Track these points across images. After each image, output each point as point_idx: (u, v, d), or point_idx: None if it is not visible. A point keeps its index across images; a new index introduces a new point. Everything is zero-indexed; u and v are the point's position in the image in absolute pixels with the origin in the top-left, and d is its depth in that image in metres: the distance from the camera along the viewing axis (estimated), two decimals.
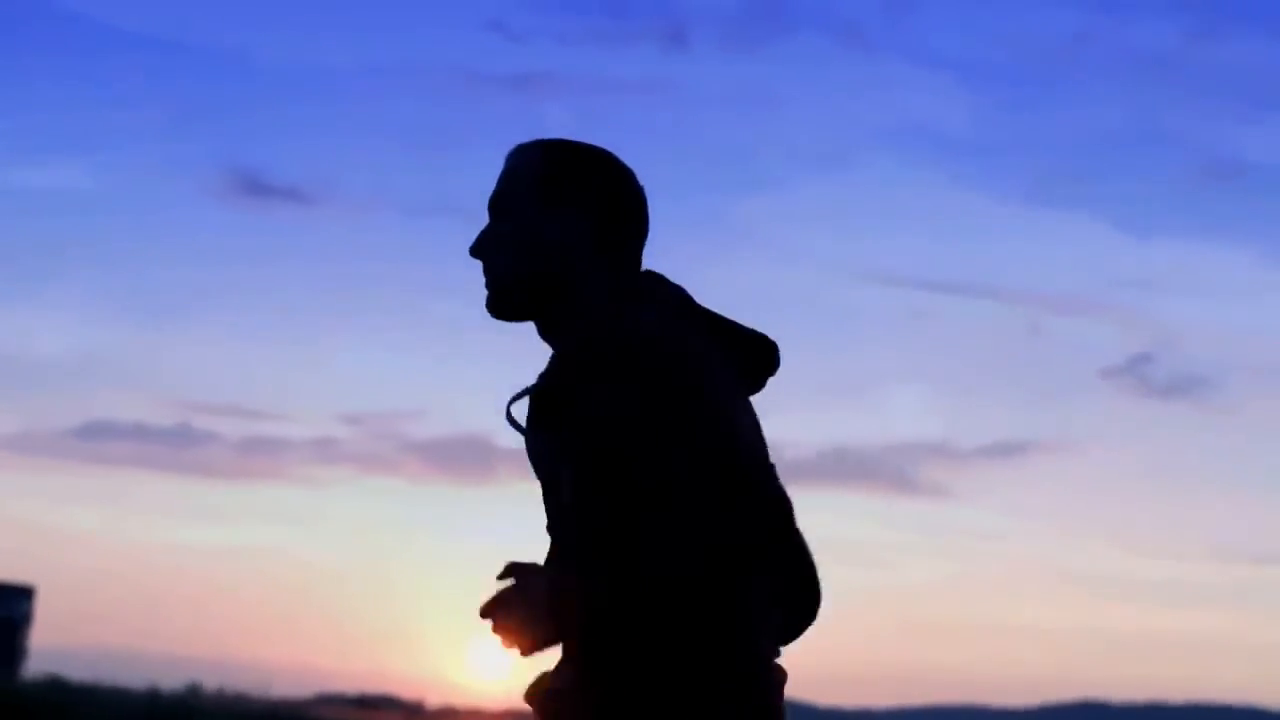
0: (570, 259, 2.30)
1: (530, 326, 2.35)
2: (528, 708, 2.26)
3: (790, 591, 2.24)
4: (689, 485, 2.07)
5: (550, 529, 2.27)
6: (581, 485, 2.14)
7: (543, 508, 2.28)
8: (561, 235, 2.30)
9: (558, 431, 2.17)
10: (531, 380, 2.26)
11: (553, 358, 2.25)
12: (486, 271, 2.34)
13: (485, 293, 2.34)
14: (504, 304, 2.33)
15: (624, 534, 2.07)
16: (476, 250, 2.35)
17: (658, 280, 2.32)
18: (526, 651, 2.12)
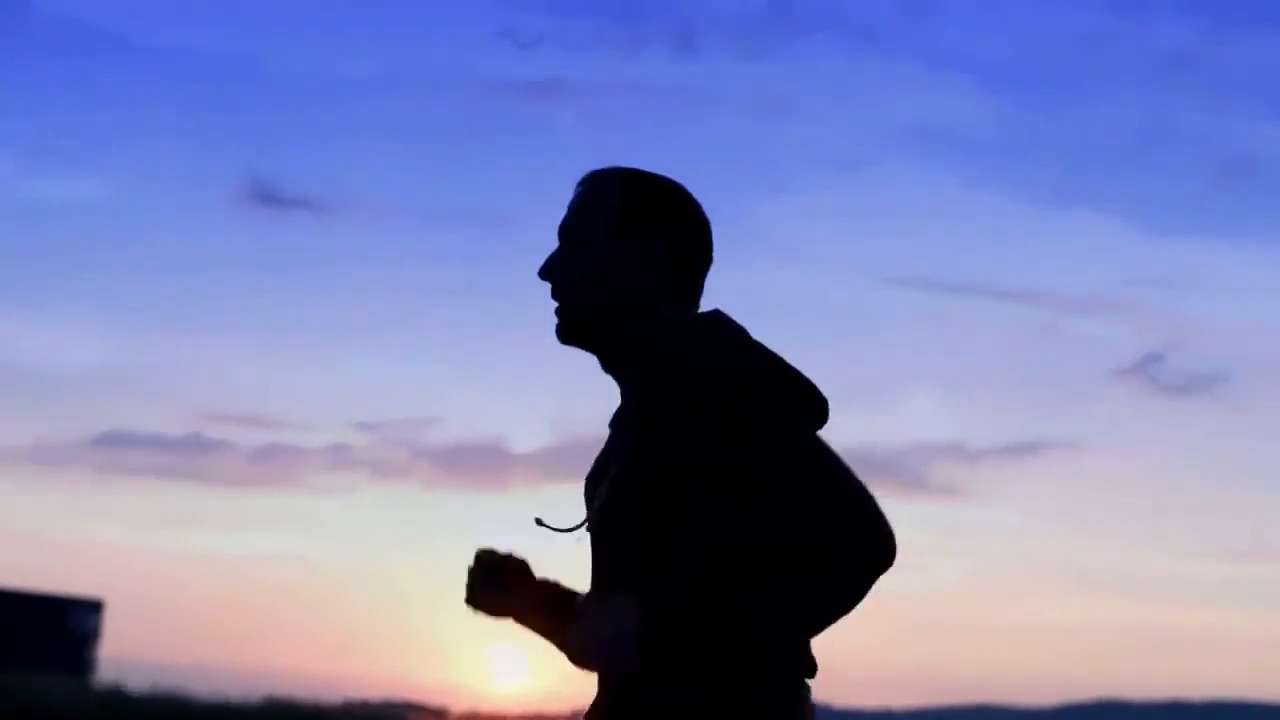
0: (644, 291, 2.33)
1: (571, 352, 2.39)
2: (548, 709, 2.36)
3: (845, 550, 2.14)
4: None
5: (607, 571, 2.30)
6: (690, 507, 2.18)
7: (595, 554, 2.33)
8: (637, 267, 2.33)
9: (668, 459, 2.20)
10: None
11: (645, 394, 2.28)
12: (557, 296, 2.36)
13: (554, 319, 2.37)
14: (576, 333, 2.35)
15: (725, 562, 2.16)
16: (547, 274, 2.37)
17: (723, 316, 2.33)
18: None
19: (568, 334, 2.36)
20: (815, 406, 2.26)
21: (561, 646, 2.33)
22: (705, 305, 2.38)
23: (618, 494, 2.25)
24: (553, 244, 2.40)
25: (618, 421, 2.37)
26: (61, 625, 36.00)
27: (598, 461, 2.39)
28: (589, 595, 2.29)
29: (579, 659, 2.20)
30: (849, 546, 2.10)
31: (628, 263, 2.33)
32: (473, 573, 2.39)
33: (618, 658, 2.13)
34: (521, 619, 2.40)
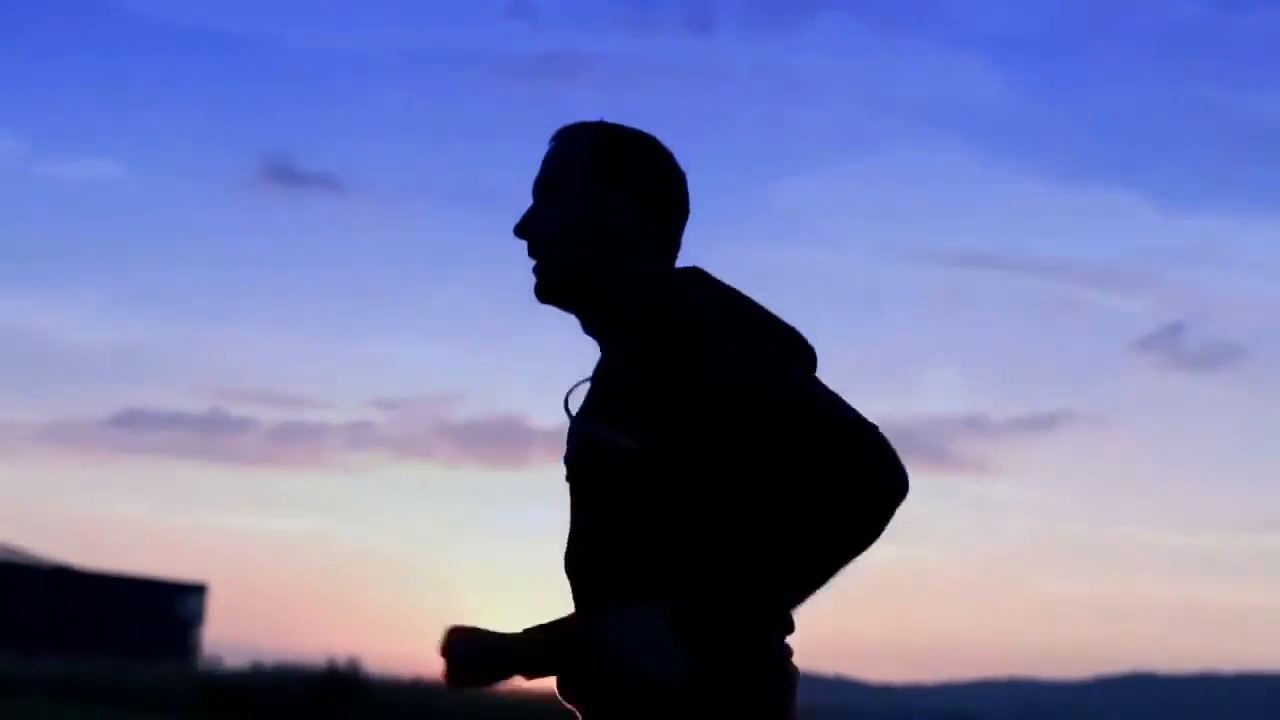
0: (620, 243, 2.31)
1: (563, 314, 2.36)
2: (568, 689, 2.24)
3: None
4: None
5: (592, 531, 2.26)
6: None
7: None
8: (613, 219, 2.31)
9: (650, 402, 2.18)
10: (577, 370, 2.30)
11: (615, 347, 2.28)
12: (534, 253, 2.34)
13: (532, 277, 2.34)
14: (555, 289, 2.33)
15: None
16: (523, 231, 2.35)
17: (702, 271, 2.31)
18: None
19: (546, 291, 2.33)
20: (802, 354, 2.24)
21: (573, 676, 2.25)
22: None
23: (612, 448, 2.22)
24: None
25: (597, 377, 2.34)
26: (168, 610, 36.63)
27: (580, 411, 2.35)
28: (579, 616, 2.25)
29: (606, 680, 2.15)
30: (864, 474, 2.07)
31: (603, 216, 2.30)
32: (446, 656, 2.28)
33: (661, 667, 2.09)
34: (518, 675, 2.31)
